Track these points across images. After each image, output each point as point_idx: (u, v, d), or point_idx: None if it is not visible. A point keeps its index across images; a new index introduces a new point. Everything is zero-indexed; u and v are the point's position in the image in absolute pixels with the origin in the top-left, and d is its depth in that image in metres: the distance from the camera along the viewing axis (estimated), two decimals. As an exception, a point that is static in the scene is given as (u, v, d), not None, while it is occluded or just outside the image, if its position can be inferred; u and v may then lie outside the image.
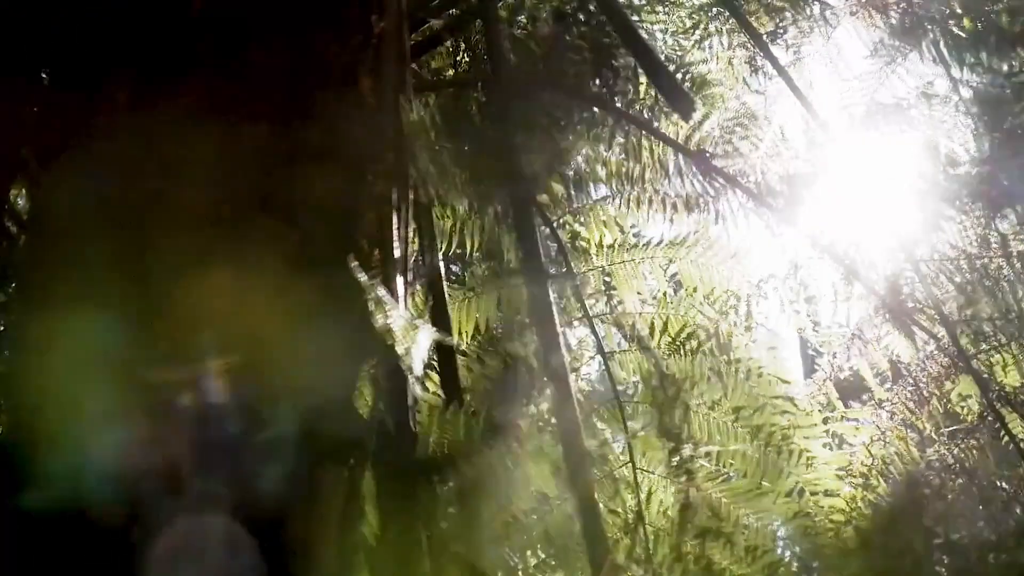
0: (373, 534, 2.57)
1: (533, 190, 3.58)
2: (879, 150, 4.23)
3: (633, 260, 4.21)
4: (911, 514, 3.89)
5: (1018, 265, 3.97)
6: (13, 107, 2.85)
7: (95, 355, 2.19)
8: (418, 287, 3.60)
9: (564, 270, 4.04)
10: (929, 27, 4.13)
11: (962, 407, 4.12)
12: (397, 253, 2.70)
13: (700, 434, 3.87)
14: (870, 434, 4.13)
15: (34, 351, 2.37)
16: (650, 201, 4.14)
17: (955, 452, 4.01)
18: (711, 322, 4.11)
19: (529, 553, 3.85)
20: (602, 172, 4.19)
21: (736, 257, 4.20)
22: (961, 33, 4.10)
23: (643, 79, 3.76)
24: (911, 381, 4.13)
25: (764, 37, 4.42)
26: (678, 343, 4.06)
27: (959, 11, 4.12)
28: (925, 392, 4.11)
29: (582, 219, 4.37)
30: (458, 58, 4.60)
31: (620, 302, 4.22)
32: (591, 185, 4.31)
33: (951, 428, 4.12)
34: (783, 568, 3.87)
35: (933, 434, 4.11)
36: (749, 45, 4.50)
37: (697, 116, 3.86)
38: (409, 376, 2.57)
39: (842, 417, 4.28)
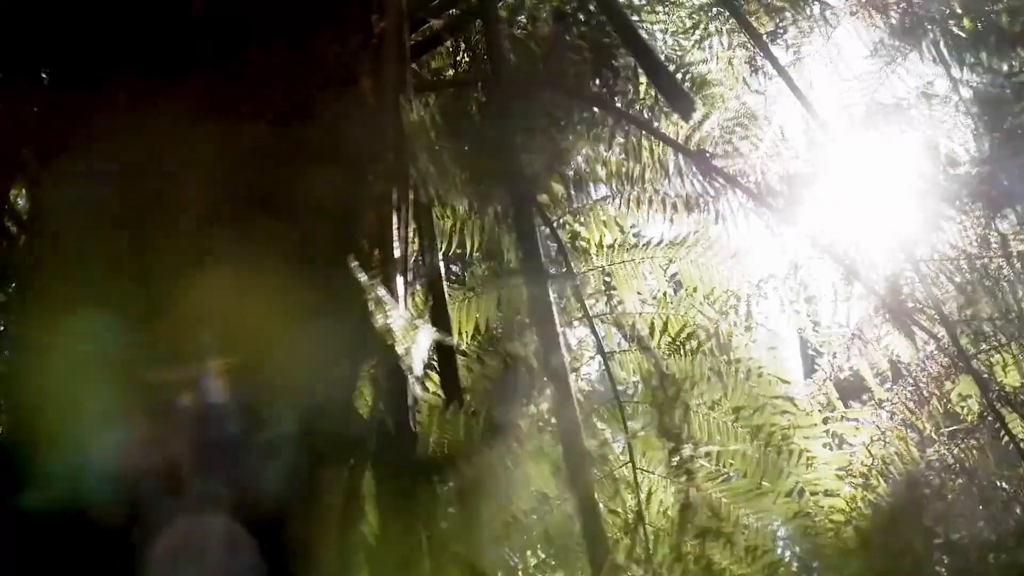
0: (373, 534, 2.57)
1: (533, 190, 3.58)
2: (879, 150, 4.23)
3: (633, 260, 4.21)
4: (910, 514, 3.88)
5: (1018, 265, 3.97)
6: (14, 107, 2.85)
7: (95, 355, 2.19)
8: (418, 287, 3.60)
9: (564, 270, 4.04)
10: (929, 27, 4.13)
11: (962, 407, 4.12)
12: (397, 253, 2.70)
13: (700, 434, 3.87)
14: (870, 434, 4.13)
15: (34, 351, 2.37)
16: (650, 201, 4.14)
17: (955, 452, 4.01)
18: (711, 322, 4.11)
19: (529, 553, 3.85)
20: (602, 172, 4.19)
21: (736, 257, 4.20)
22: (961, 33, 4.10)
23: (643, 79, 3.76)
24: (911, 381, 4.13)
25: (764, 37, 4.42)
26: (678, 343, 4.06)
27: (959, 11, 4.12)
28: (925, 392, 4.11)
29: (582, 219, 4.37)
30: (458, 58, 4.60)
31: (620, 302, 4.22)
32: (591, 185, 4.31)
33: (951, 428, 4.12)
34: (783, 568, 3.87)
35: (933, 434, 4.10)
36: (749, 45, 4.50)
37: (697, 116, 3.85)
38: (409, 376, 2.57)
39: (842, 417, 4.28)
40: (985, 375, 4.01)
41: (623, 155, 4.00)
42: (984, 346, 4.04)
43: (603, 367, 4.04)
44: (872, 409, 4.19)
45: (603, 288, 4.32)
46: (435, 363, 3.66)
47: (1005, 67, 4.16)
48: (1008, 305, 3.96)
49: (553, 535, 3.72)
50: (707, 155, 3.93)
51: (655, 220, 4.21)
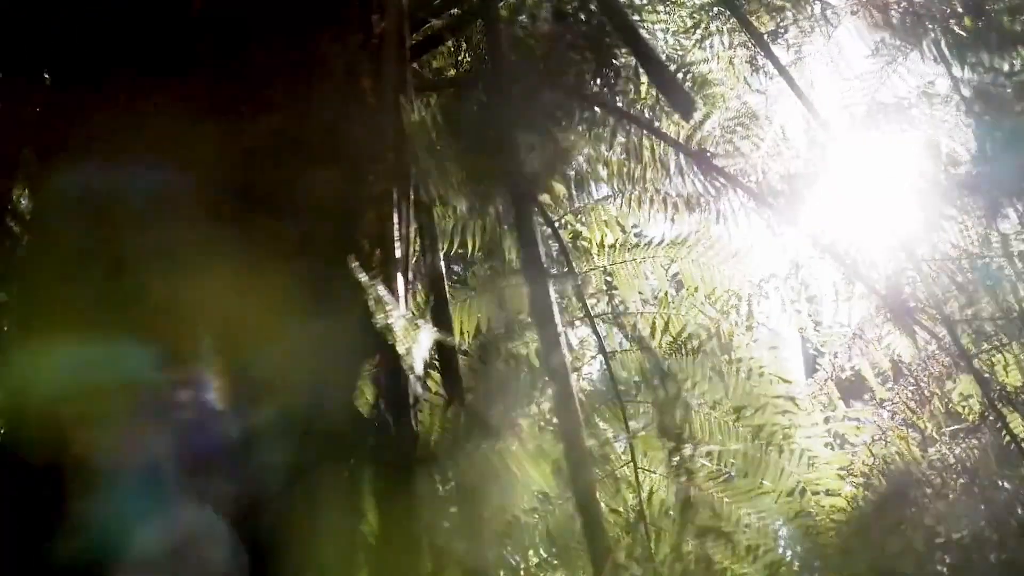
0: (373, 534, 2.57)
1: (534, 190, 3.58)
2: (880, 150, 4.23)
3: (635, 260, 4.21)
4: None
5: (1019, 264, 3.97)
6: (14, 107, 2.85)
7: (93, 355, 2.19)
8: (419, 287, 3.60)
9: (566, 270, 4.04)
10: (930, 26, 4.12)
11: (963, 407, 4.12)
12: (398, 253, 2.71)
13: (701, 434, 3.87)
14: (871, 434, 4.13)
15: (34, 351, 2.37)
16: (651, 201, 4.15)
17: (956, 452, 4.01)
18: (712, 322, 4.11)
19: (530, 552, 3.85)
20: (603, 172, 4.20)
21: (737, 257, 4.20)
22: (962, 32, 4.10)
23: (644, 79, 3.76)
24: (912, 381, 4.13)
25: (765, 36, 4.41)
26: (679, 343, 4.06)
27: (960, 10, 4.11)
28: (926, 392, 4.10)
29: (583, 219, 4.38)
30: (459, 58, 4.60)
31: (621, 302, 4.22)
32: (592, 185, 4.31)
33: (952, 428, 4.12)
34: (784, 568, 3.86)
35: (934, 434, 4.10)
36: (750, 44, 4.49)
37: (698, 116, 3.86)
38: (410, 375, 2.57)
39: (843, 417, 4.28)
40: (986, 375, 4.01)
41: (624, 155, 4.00)
42: (985, 346, 4.04)
43: (604, 367, 4.03)
44: (873, 409, 4.19)
45: (604, 288, 4.32)
46: (436, 363, 3.67)
47: (1006, 66, 4.16)
48: (1009, 305, 3.96)
49: (554, 534, 3.72)
50: (708, 155, 3.93)
51: (656, 220, 4.21)
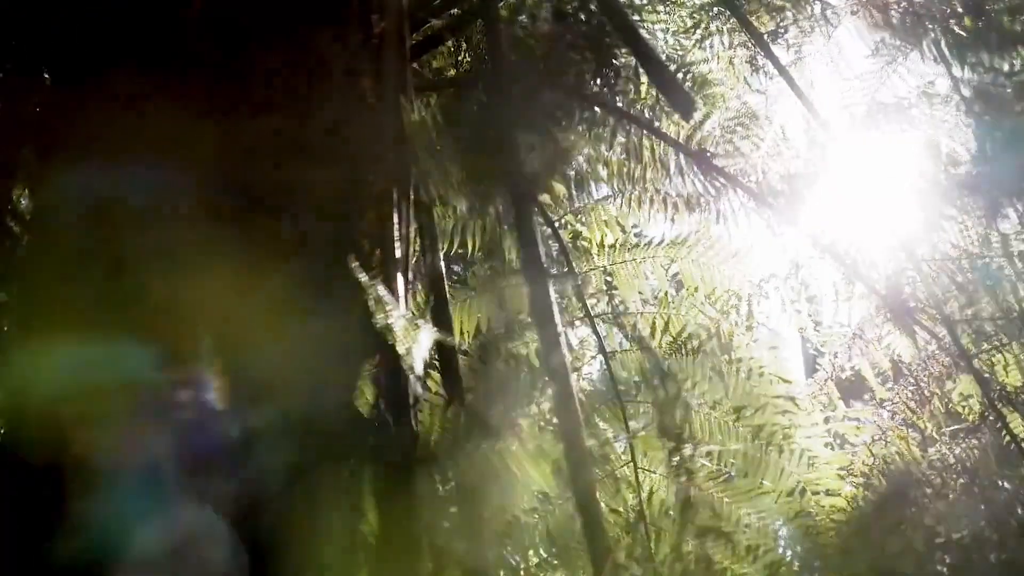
0: (373, 534, 2.57)
1: (534, 190, 3.58)
2: (880, 150, 4.23)
3: (635, 260, 4.21)
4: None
5: (1019, 264, 3.97)
6: (15, 106, 2.85)
7: (92, 355, 2.19)
8: (419, 286, 3.60)
9: (566, 270, 4.04)
10: (930, 26, 4.12)
11: (963, 407, 4.12)
12: (398, 253, 2.71)
13: (701, 434, 3.87)
14: (871, 434, 4.13)
15: (34, 351, 2.37)
16: (651, 201, 4.15)
17: (956, 452, 4.01)
18: (712, 322, 4.11)
19: (531, 552, 3.85)
20: (603, 172, 4.20)
21: (737, 257, 4.20)
22: (962, 32, 4.10)
23: (644, 79, 3.76)
24: (912, 381, 4.13)
25: (765, 36, 4.41)
26: (679, 343, 4.06)
27: (960, 10, 4.11)
28: (926, 392, 4.10)
29: (584, 219, 4.38)
30: (459, 58, 4.60)
31: (621, 302, 4.22)
32: (592, 185, 4.31)
33: (952, 428, 4.12)
34: (784, 568, 3.86)
35: (934, 434, 4.11)
36: (750, 44, 4.49)
37: (698, 116, 3.86)
38: (410, 375, 2.57)
39: (843, 417, 4.28)
40: (986, 375, 4.01)
41: (624, 155, 4.00)
42: (985, 345, 4.04)
43: (604, 367, 4.03)
44: (873, 409, 4.19)
45: (604, 288, 4.32)
46: (436, 362, 3.67)
47: (1006, 66, 4.16)
48: (1009, 305, 3.96)
49: (554, 534, 3.72)
50: (708, 155, 3.93)
51: (656, 220, 4.21)
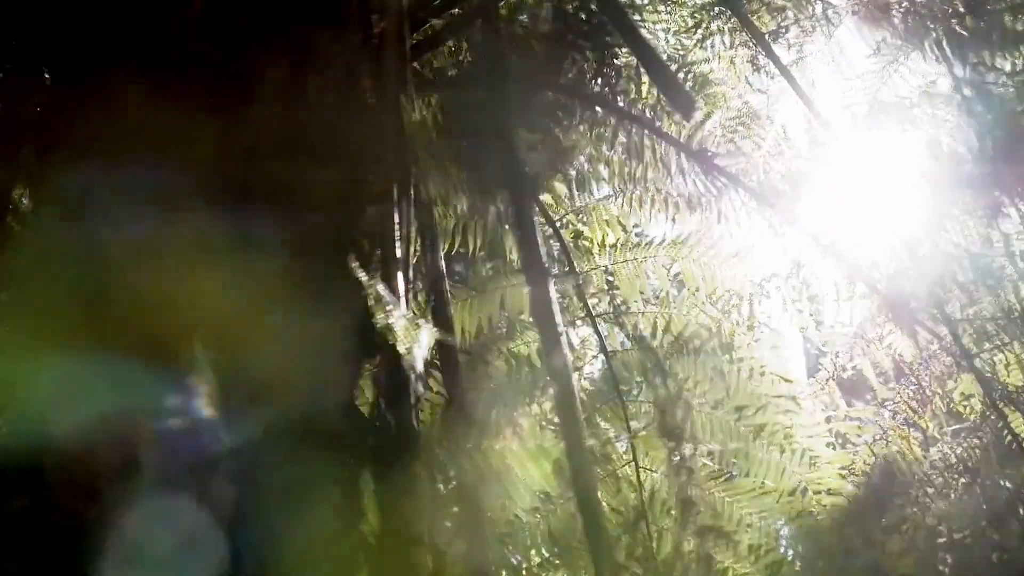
0: (373, 534, 2.57)
1: (534, 189, 3.59)
2: (882, 149, 4.23)
3: (636, 259, 4.20)
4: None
5: (1021, 264, 3.97)
6: (15, 105, 2.86)
7: (83, 355, 2.19)
8: (420, 286, 3.60)
9: (567, 269, 4.04)
10: (931, 26, 4.12)
11: (965, 406, 4.13)
12: (398, 252, 2.70)
13: (703, 433, 3.87)
14: (873, 433, 4.13)
15: (23, 352, 2.36)
16: (653, 200, 4.15)
17: (958, 451, 4.01)
18: (714, 321, 4.11)
19: (533, 552, 3.85)
20: (605, 171, 4.20)
21: (739, 256, 4.20)
22: (964, 32, 4.10)
23: (645, 78, 3.77)
24: (914, 380, 4.13)
25: (766, 36, 4.41)
26: (681, 342, 4.06)
27: (961, 10, 4.11)
28: (928, 391, 4.11)
29: (585, 218, 4.38)
30: (459, 58, 4.59)
31: (623, 301, 4.22)
32: (594, 184, 4.32)
33: (954, 427, 4.12)
34: (786, 567, 3.86)
35: (936, 433, 4.11)
36: (751, 44, 4.49)
37: (699, 115, 3.86)
38: (411, 375, 2.57)
39: (845, 416, 4.28)
40: (988, 374, 4.01)
41: (625, 154, 4.00)
42: (987, 345, 4.04)
43: (606, 366, 4.03)
44: (875, 408, 4.19)
45: (606, 287, 4.32)
46: (437, 362, 3.66)
47: (1008, 66, 4.16)
48: (1010, 304, 3.96)
49: (556, 534, 3.73)
50: (709, 154, 3.94)
51: (658, 219, 4.22)
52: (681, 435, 3.73)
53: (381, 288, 2.47)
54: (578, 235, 4.40)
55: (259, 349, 2.27)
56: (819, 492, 3.90)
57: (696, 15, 4.50)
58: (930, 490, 4.00)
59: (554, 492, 3.66)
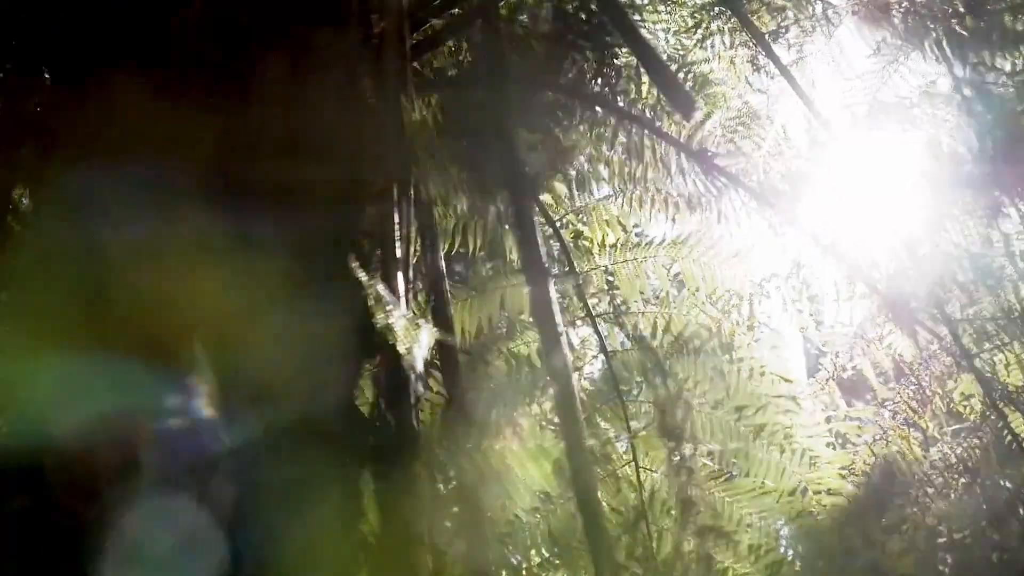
0: (373, 534, 2.57)
1: (534, 189, 3.59)
2: (882, 149, 4.23)
3: (636, 259, 4.20)
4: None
5: (1021, 264, 3.97)
6: (15, 106, 2.86)
7: (83, 355, 2.19)
8: (420, 286, 3.60)
9: (567, 269, 4.04)
10: (931, 26, 4.12)
11: (965, 406, 4.13)
12: (398, 252, 2.71)
13: (703, 433, 3.87)
14: (873, 433, 4.13)
15: (23, 351, 2.36)
16: (653, 200, 4.15)
17: (958, 451, 4.01)
18: (714, 321, 4.11)
19: (533, 552, 3.85)
20: (605, 171, 4.20)
21: (739, 256, 4.20)
22: (964, 32, 4.10)
23: (645, 78, 3.77)
24: (914, 380, 4.13)
25: (766, 36, 4.41)
26: (681, 342, 4.05)
27: (961, 9, 4.11)
28: (928, 391, 4.11)
29: (585, 218, 4.38)
30: (459, 58, 4.59)
31: (623, 301, 4.22)
32: (594, 184, 4.32)
33: (954, 427, 4.12)
34: (786, 567, 3.86)
35: (936, 433, 4.11)
36: (751, 44, 4.49)
37: (699, 115, 3.86)
38: (411, 375, 2.57)
39: (845, 416, 4.28)
40: (988, 374, 4.01)
41: (625, 154, 4.00)
42: (987, 345, 4.04)
43: (606, 366, 4.03)
44: (875, 408, 4.19)
45: (606, 287, 4.32)
46: (437, 362, 3.66)
47: (1008, 66, 4.16)
48: (1010, 304, 3.96)
49: (556, 534, 3.73)
50: (710, 154, 3.94)
51: (658, 219, 4.21)
52: (681, 435, 3.73)
53: (381, 288, 2.47)
54: (578, 235, 4.40)
55: (259, 349, 2.27)
56: (819, 492, 3.90)
57: (696, 15, 4.50)
58: (930, 490, 4.00)
59: (554, 492, 3.66)
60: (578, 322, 4.08)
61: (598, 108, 3.86)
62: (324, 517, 2.36)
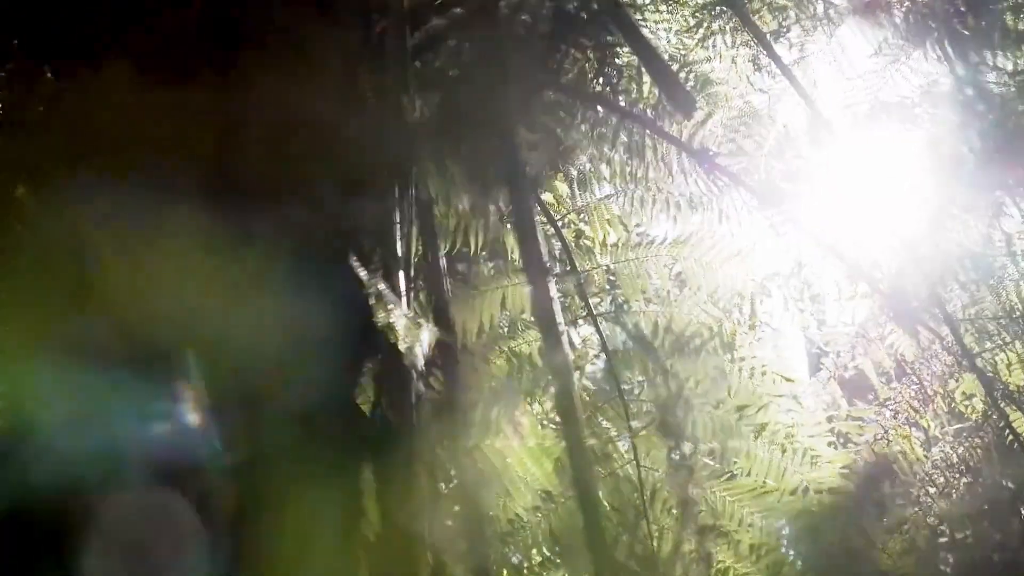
0: (373, 533, 2.57)
1: (535, 189, 3.59)
2: (883, 149, 4.23)
3: (637, 258, 4.19)
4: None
5: (1022, 263, 3.97)
6: (16, 104, 2.86)
7: (82, 350, 2.19)
8: (421, 284, 3.61)
9: (568, 268, 4.04)
10: (933, 25, 4.12)
11: (966, 406, 4.13)
12: (399, 251, 2.71)
13: (704, 432, 3.87)
14: (874, 433, 4.13)
15: (22, 351, 2.37)
16: (654, 200, 4.15)
17: (959, 451, 4.01)
18: (715, 321, 4.11)
19: (534, 551, 3.85)
20: (606, 171, 4.20)
21: (740, 256, 4.19)
22: (965, 31, 4.10)
23: (646, 78, 3.77)
24: (915, 380, 4.13)
25: (767, 35, 4.41)
26: (682, 342, 4.05)
27: (963, 9, 4.11)
28: (929, 391, 4.11)
29: (586, 217, 4.38)
30: (459, 58, 4.59)
31: (624, 301, 4.22)
32: (595, 183, 4.32)
33: (955, 427, 4.12)
34: (787, 567, 3.86)
35: (937, 433, 4.11)
36: (752, 43, 4.48)
37: (701, 115, 3.86)
38: (412, 374, 2.58)
39: (846, 416, 4.28)
40: (989, 374, 4.01)
41: (627, 154, 4.00)
42: (988, 344, 4.04)
43: (607, 365, 4.03)
44: (876, 408, 4.19)
45: (607, 286, 4.32)
46: (438, 361, 3.66)
47: (1010, 65, 4.16)
48: (1012, 303, 3.96)
49: (557, 533, 3.73)
50: (711, 154, 3.93)
51: (659, 218, 4.21)
52: (682, 434, 3.73)
53: (382, 286, 2.48)
54: (579, 234, 4.41)
55: (258, 348, 2.28)
56: (821, 491, 3.90)
57: (697, 14, 4.50)
58: (932, 490, 4.00)
59: (555, 491, 3.66)
60: (579, 321, 4.08)
61: (599, 107, 3.85)
62: (324, 517, 2.37)
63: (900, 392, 4.14)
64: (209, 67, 2.64)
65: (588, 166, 4.22)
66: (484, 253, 4.24)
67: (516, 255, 3.96)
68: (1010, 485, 4.00)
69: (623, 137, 3.91)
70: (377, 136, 2.80)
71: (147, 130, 2.44)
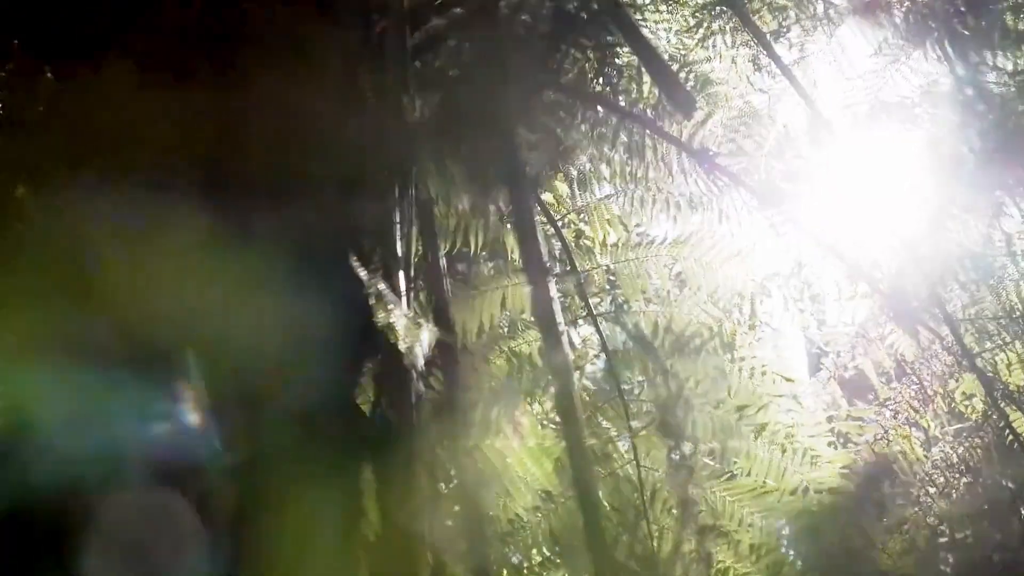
0: (373, 533, 2.57)
1: (535, 189, 3.59)
2: (883, 149, 4.23)
3: (637, 258, 4.19)
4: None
5: (1022, 263, 3.97)
6: (16, 103, 2.86)
7: (83, 349, 2.19)
8: (421, 284, 3.61)
9: (568, 268, 4.04)
10: (933, 25, 4.12)
11: (966, 406, 4.13)
12: (399, 250, 2.71)
13: (704, 432, 3.87)
14: (874, 433, 4.13)
15: (21, 351, 2.36)
16: (654, 200, 4.15)
17: (959, 451, 4.01)
18: (715, 321, 4.11)
19: (534, 551, 3.85)
20: (606, 171, 4.20)
21: (740, 256, 4.19)
22: (965, 31, 4.09)
23: (646, 78, 3.77)
24: (915, 380, 4.13)
25: (768, 35, 4.41)
26: (682, 342, 4.05)
27: (963, 9, 4.11)
28: (929, 391, 4.11)
29: (586, 217, 4.38)
30: (459, 58, 4.59)
31: (624, 300, 4.22)
32: (595, 183, 4.32)
33: (955, 427, 4.12)
34: (787, 567, 3.86)
35: (937, 433, 4.11)
36: (752, 43, 4.48)
37: (701, 115, 3.86)
38: (412, 373, 2.58)
39: (846, 416, 4.28)
40: (989, 374, 4.01)
41: (627, 154, 4.00)
42: (988, 344, 4.04)
43: (607, 365, 4.03)
44: (876, 408, 4.19)
45: (607, 286, 4.32)
46: (438, 361, 3.66)
47: (1010, 65, 4.16)
48: (1012, 303, 3.96)
49: (557, 533, 3.73)
50: (711, 154, 3.93)
51: (659, 218, 4.21)
52: (682, 434, 3.73)
53: (382, 286, 2.48)
54: (579, 234, 4.41)
55: (258, 348, 2.28)
56: (821, 491, 3.90)
57: (697, 14, 4.49)
58: (932, 490, 4.00)
59: (555, 491, 3.66)
60: (579, 321, 4.08)
61: (599, 107, 3.85)
62: (324, 517, 2.37)
63: (900, 392, 4.14)
64: (209, 67, 2.64)
65: (588, 166, 4.22)
66: (484, 253, 4.24)
67: (516, 255, 3.95)
68: (1010, 485, 4.00)
69: (623, 137, 3.91)
70: (377, 136, 2.80)
71: (147, 130, 2.44)
